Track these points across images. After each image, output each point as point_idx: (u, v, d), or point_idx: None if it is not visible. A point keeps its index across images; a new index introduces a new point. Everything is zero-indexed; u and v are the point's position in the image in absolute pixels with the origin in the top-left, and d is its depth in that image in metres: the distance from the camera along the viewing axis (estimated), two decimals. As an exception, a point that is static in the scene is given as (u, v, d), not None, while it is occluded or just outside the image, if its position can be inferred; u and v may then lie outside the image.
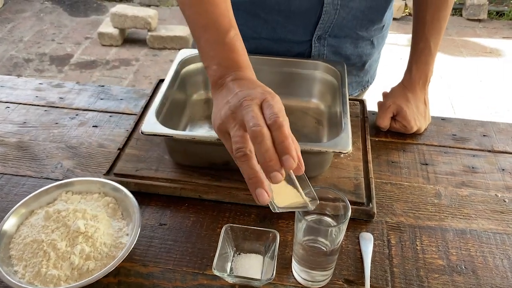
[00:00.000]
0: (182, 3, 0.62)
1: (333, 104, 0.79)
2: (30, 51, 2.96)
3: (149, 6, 3.64)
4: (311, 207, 0.48)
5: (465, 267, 0.60)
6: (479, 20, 3.44)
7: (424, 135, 0.82)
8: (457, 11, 3.54)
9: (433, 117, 0.86)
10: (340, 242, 0.53)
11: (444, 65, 2.84)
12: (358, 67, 0.94)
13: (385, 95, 0.84)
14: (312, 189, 0.49)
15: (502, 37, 3.20)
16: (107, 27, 3.12)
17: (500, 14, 3.51)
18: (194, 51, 0.83)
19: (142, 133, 0.65)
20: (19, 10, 3.51)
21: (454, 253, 0.62)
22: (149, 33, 3.10)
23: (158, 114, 0.68)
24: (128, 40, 3.19)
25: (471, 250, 0.62)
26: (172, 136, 0.65)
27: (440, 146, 0.80)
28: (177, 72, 0.80)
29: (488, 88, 2.64)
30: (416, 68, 0.82)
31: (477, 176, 0.74)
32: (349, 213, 0.50)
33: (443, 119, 0.87)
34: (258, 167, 0.45)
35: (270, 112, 0.45)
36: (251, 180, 0.44)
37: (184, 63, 0.82)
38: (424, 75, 0.81)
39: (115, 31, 3.08)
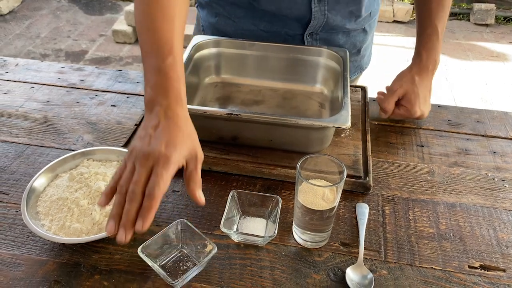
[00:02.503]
0: (136, 13, 0.63)
1: (335, 89, 0.84)
2: (47, 47, 3.05)
3: (162, 6, 3.71)
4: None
5: (453, 235, 0.65)
6: (487, 25, 3.47)
7: (422, 120, 0.87)
8: (465, 15, 3.58)
9: (430, 104, 0.90)
10: (336, 205, 0.58)
11: (450, 67, 2.88)
12: (354, 53, 0.99)
13: (394, 80, 0.87)
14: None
15: (509, 42, 3.23)
16: (121, 25, 3.21)
17: (507, 20, 3.54)
18: (207, 37, 0.89)
19: (158, 106, 0.70)
20: (36, 7, 3.61)
21: (444, 223, 0.67)
22: (162, 32, 3.17)
23: (173, 92, 0.74)
24: (141, 38, 3.26)
25: (459, 221, 0.67)
26: (185, 110, 0.70)
27: (436, 130, 0.85)
28: (190, 57, 0.86)
29: (493, 91, 2.68)
30: (426, 53, 0.83)
31: (470, 158, 0.79)
32: (345, 175, 0.55)
33: (440, 106, 0.92)
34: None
35: (153, 180, 0.52)
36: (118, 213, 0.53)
37: (197, 48, 0.88)
38: (433, 61, 0.83)
39: (128, 29, 3.17)
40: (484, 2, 3.51)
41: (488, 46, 3.18)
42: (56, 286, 0.56)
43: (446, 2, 0.83)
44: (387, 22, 3.54)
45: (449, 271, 0.60)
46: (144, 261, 0.57)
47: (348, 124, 0.67)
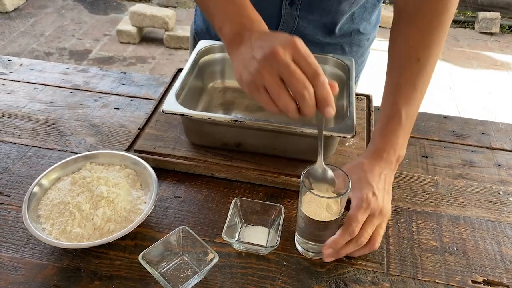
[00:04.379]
0: None
1: (340, 98, 0.83)
2: (51, 45, 3.05)
3: (167, 7, 3.72)
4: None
5: (456, 249, 0.64)
6: (491, 34, 3.47)
7: (426, 130, 0.87)
8: (470, 24, 3.58)
9: (435, 115, 0.90)
10: (340, 216, 0.58)
11: (454, 75, 2.88)
12: None
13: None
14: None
15: (514, 51, 3.23)
16: (125, 25, 3.21)
17: (512, 29, 3.54)
18: (213, 42, 0.88)
19: (163, 111, 0.70)
20: (41, 5, 3.62)
21: (447, 236, 0.66)
22: (166, 33, 3.18)
23: (177, 97, 0.74)
24: (146, 38, 3.27)
25: (463, 234, 0.67)
26: (190, 116, 0.70)
27: (440, 141, 0.85)
28: (195, 61, 0.85)
29: (497, 100, 2.67)
30: (381, 139, 0.66)
31: (474, 170, 0.79)
32: (350, 186, 0.55)
33: (445, 117, 0.91)
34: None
35: (306, 63, 0.51)
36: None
37: (203, 53, 0.87)
38: (392, 147, 0.65)
39: (133, 29, 3.17)
40: (489, 11, 3.51)
41: (493, 55, 3.17)
42: (56, 292, 0.56)
43: (419, 81, 0.65)
44: (389, 28, 3.54)
45: (452, 285, 0.59)
46: (145, 268, 0.56)
47: (353, 134, 0.67)
